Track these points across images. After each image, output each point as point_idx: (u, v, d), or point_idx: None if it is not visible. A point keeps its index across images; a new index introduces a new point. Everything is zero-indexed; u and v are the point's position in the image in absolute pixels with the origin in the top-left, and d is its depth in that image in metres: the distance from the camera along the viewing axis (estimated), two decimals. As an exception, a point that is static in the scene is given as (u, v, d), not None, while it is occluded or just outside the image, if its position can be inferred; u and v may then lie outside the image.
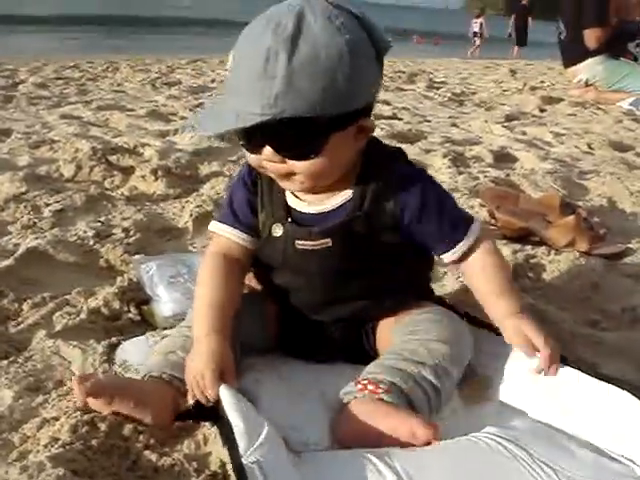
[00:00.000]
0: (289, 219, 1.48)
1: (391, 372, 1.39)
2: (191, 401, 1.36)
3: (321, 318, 1.55)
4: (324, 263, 1.47)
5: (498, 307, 1.51)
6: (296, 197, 1.49)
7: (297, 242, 1.47)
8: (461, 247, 1.51)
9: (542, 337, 1.44)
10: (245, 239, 1.53)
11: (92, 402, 1.34)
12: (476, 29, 22.83)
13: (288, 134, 1.31)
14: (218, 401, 1.30)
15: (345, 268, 1.48)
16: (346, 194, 1.46)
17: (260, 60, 1.26)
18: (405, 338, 1.49)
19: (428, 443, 1.29)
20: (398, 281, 1.54)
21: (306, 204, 1.49)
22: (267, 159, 1.37)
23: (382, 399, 1.34)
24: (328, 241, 1.45)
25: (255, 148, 1.37)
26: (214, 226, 1.57)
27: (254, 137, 1.35)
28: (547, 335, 1.45)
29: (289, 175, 1.39)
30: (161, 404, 1.36)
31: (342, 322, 1.56)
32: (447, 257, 1.52)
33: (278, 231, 1.49)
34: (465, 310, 1.70)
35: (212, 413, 1.33)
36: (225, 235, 1.54)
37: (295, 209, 1.49)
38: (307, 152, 1.34)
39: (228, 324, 1.45)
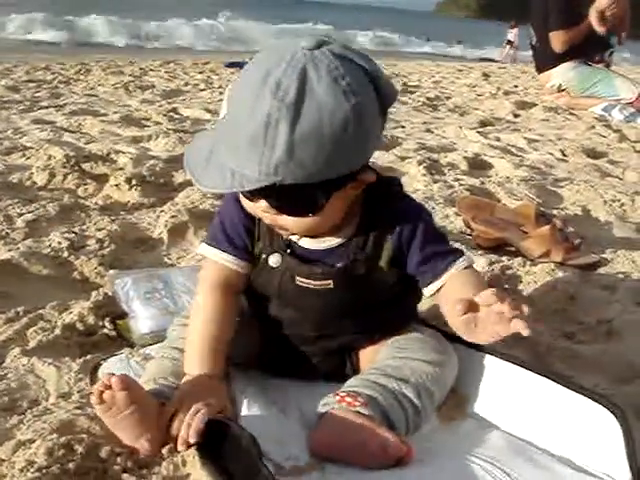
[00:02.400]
0: (288, 251, 1.45)
1: (371, 387, 1.39)
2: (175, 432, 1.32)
3: (308, 349, 1.53)
4: (323, 302, 1.45)
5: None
6: None
7: (297, 278, 1.44)
8: (443, 280, 1.44)
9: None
10: (241, 265, 1.48)
11: (115, 396, 1.27)
12: (511, 38, 25.76)
13: (286, 196, 1.28)
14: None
15: (344, 307, 1.46)
16: (348, 232, 1.44)
17: (259, 126, 1.19)
18: (390, 355, 1.48)
19: (400, 461, 1.29)
20: (391, 315, 1.52)
21: (309, 240, 1.45)
22: (262, 210, 1.34)
23: (358, 412, 1.34)
24: (329, 283, 1.43)
25: (252, 199, 1.34)
26: (207, 251, 1.51)
27: (251, 191, 1.29)
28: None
29: (281, 226, 1.37)
30: (160, 432, 1.32)
31: (328, 352, 1.54)
32: (429, 289, 1.46)
33: (276, 262, 1.45)
34: (443, 328, 1.69)
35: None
36: (219, 262, 1.49)
37: (296, 242, 1.45)
38: (304, 212, 1.32)
39: (224, 360, 1.44)
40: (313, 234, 1.41)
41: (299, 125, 1.17)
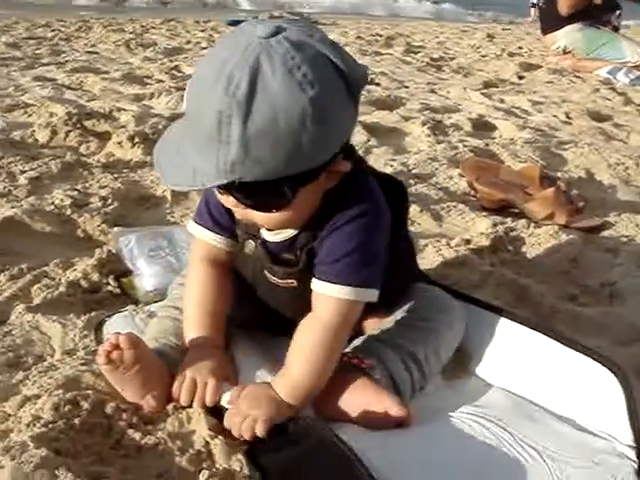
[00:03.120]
0: (259, 240, 1.40)
1: (378, 348, 1.39)
2: (185, 404, 1.32)
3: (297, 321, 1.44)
4: (293, 297, 1.42)
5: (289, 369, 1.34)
6: None
7: (265, 272, 1.43)
8: (329, 288, 1.31)
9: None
10: (227, 244, 1.46)
11: (122, 354, 1.27)
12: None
13: (250, 193, 1.22)
14: None
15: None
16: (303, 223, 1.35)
17: (213, 123, 1.12)
18: (396, 316, 1.48)
19: (401, 423, 1.30)
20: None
21: (267, 232, 1.39)
22: (232, 204, 1.29)
23: (364, 373, 1.34)
24: (293, 282, 1.40)
25: (221, 192, 1.29)
26: (195, 229, 1.49)
27: (219, 185, 1.23)
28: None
29: (252, 221, 1.32)
30: (164, 390, 1.33)
31: None
32: (316, 284, 1.34)
33: (250, 250, 1.43)
34: (450, 286, 1.70)
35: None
36: (208, 241, 1.47)
37: (261, 233, 1.41)
38: (271, 208, 1.25)
39: (224, 332, 1.45)
40: (286, 227, 1.35)
41: (251, 121, 1.11)
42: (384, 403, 1.29)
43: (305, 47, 1.14)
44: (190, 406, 1.32)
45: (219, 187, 1.25)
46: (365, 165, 1.43)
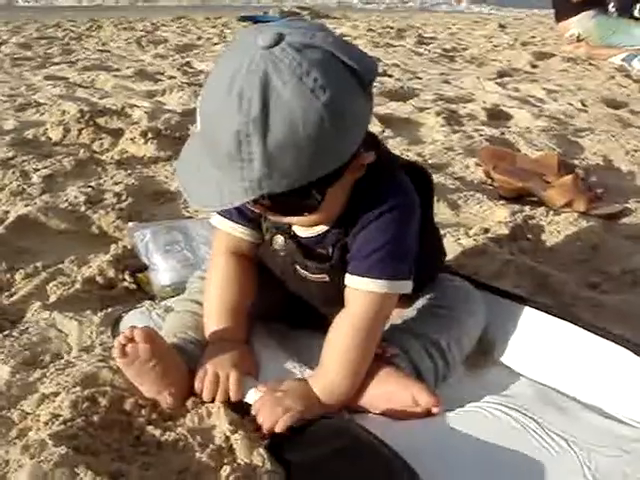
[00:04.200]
0: (291, 233, 1.39)
1: (401, 337, 1.37)
2: (207, 399, 1.31)
3: (328, 310, 1.43)
4: (324, 291, 1.41)
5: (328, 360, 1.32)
6: None
7: (297, 267, 1.40)
8: (363, 282, 1.30)
9: None
10: (252, 235, 1.44)
11: (138, 348, 1.26)
12: None
13: (279, 202, 1.20)
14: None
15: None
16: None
17: (232, 143, 1.10)
18: (419, 306, 1.46)
19: (429, 412, 1.28)
20: None
21: (300, 228, 1.37)
22: (261, 211, 1.29)
23: (388, 362, 1.33)
24: (325, 277, 1.38)
25: (249, 202, 1.24)
26: (219, 222, 1.45)
27: None
28: None
29: (285, 222, 1.33)
30: (183, 385, 1.32)
31: None
32: (349, 279, 1.33)
33: (280, 245, 1.40)
34: (470, 276, 1.67)
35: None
36: (231, 232, 1.44)
37: (293, 229, 1.39)
38: (302, 212, 1.25)
39: (247, 328, 1.44)
40: (319, 225, 1.34)
41: (271, 136, 1.08)
42: (411, 391, 1.28)
43: (310, 50, 1.11)
44: (212, 401, 1.30)
45: (252, 200, 1.21)
46: (392, 155, 1.41)
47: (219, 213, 1.46)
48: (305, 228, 1.36)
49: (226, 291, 1.43)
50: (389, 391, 1.29)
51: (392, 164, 1.36)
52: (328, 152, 1.13)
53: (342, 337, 1.31)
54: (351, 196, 1.30)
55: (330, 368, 1.30)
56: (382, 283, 1.29)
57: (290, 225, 1.37)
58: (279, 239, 1.40)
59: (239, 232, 1.44)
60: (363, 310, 1.30)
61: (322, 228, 1.35)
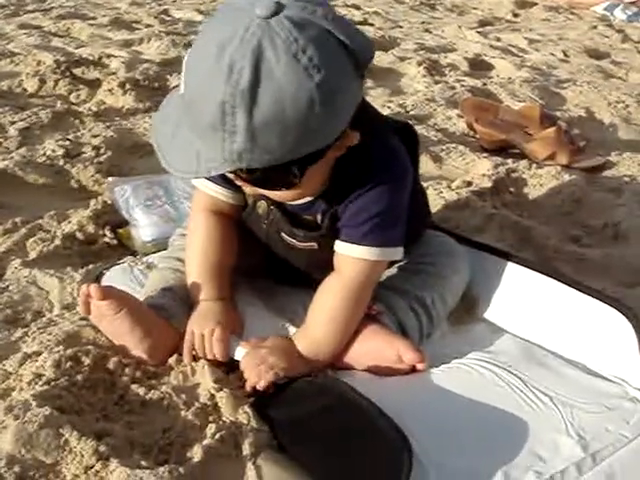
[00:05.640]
0: (273, 201, 1.35)
1: (386, 294, 1.37)
2: (187, 360, 1.31)
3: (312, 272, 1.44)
4: (311, 258, 1.39)
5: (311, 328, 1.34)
6: None
7: (282, 235, 1.38)
8: (356, 250, 1.30)
9: None
10: (233, 198, 1.41)
11: (99, 305, 1.27)
12: None
13: (258, 176, 1.17)
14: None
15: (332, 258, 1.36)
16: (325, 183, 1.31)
17: (216, 113, 1.06)
18: (402, 263, 1.46)
19: (414, 368, 1.29)
20: None
21: None
22: (238, 183, 1.25)
23: (374, 319, 1.33)
24: (314, 244, 1.36)
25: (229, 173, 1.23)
26: (199, 182, 1.43)
27: None
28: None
29: (263, 194, 1.29)
30: (160, 339, 1.32)
31: None
32: (341, 246, 1.32)
33: (263, 210, 1.38)
34: (452, 230, 1.67)
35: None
36: (212, 194, 1.41)
37: None
38: (280, 187, 1.21)
39: (231, 285, 1.42)
40: (297, 200, 1.31)
41: (258, 111, 1.04)
42: (397, 348, 1.28)
43: (308, 26, 1.06)
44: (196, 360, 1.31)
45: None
46: (381, 117, 1.39)
47: None
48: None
49: (208, 250, 1.41)
50: (374, 348, 1.29)
51: (383, 129, 1.33)
52: (314, 133, 1.10)
53: (331, 300, 1.31)
54: (341, 163, 1.26)
55: (317, 329, 1.30)
56: (375, 251, 1.29)
57: None
58: (262, 204, 1.37)
59: (219, 193, 1.41)
60: (354, 276, 1.30)
61: (308, 198, 1.32)
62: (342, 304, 1.30)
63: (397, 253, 1.33)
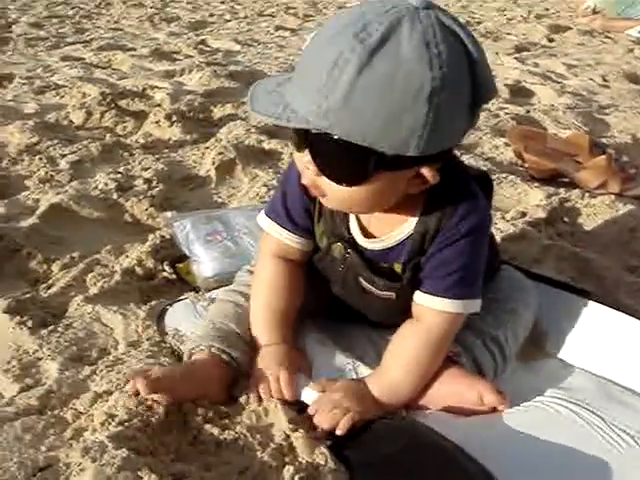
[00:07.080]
0: (350, 244, 1.34)
1: (461, 334, 1.34)
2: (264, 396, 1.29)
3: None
4: (387, 305, 1.38)
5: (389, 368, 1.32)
6: (358, 220, 1.33)
7: (361, 280, 1.36)
8: (439, 302, 1.28)
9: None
10: (302, 243, 1.40)
11: (153, 397, 1.26)
12: None
13: (330, 151, 1.12)
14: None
15: (409, 308, 1.34)
16: (406, 230, 1.29)
17: (328, 62, 1.05)
18: None
19: (494, 409, 1.26)
20: None
21: (365, 239, 1.33)
22: (305, 165, 1.19)
23: (451, 360, 1.31)
24: (392, 294, 1.35)
25: (299, 146, 1.18)
26: (267, 225, 1.42)
27: (300, 135, 1.15)
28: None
29: (317, 188, 1.22)
30: (214, 383, 1.31)
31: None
32: (423, 297, 1.31)
33: (339, 254, 1.36)
34: (523, 267, 1.65)
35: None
36: (281, 239, 1.40)
37: (356, 239, 1.34)
38: (343, 179, 1.15)
39: (293, 331, 1.42)
40: (348, 211, 1.30)
41: (367, 71, 1.02)
42: (478, 390, 1.26)
43: (451, 34, 1.06)
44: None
45: (300, 139, 1.16)
46: (463, 164, 1.36)
47: (268, 215, 1.42)
48: (374, 240, 1.32)
49: (274, 297, 1.40)
50: (454, 391, 1.27)
51: (466, 177, 1.30)
52: (404, 129, 1.05)
53: (412, 347, 1.29)
54: (425, 208, 1.25)
55: (395, 373, 1.29)
56: (457, 303, 1.28)
57: (350, 233, 1.33)
58: (339, 246, 1.35)
59: (287, 238, 1.40)
60: (435, 326, 1.28)
61: (393, 241, 1.30)
62: (422, 353, 1.28)
63: (476, 305, 1.31)
